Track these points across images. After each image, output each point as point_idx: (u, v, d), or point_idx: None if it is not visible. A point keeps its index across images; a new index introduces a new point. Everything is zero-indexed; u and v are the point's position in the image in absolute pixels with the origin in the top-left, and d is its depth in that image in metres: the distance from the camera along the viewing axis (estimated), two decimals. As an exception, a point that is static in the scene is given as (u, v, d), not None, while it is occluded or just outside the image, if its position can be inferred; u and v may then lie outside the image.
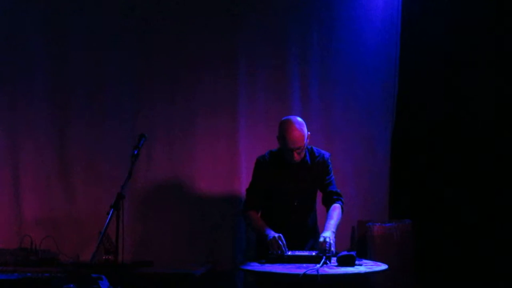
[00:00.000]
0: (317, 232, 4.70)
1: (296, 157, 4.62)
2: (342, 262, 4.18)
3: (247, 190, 4.83)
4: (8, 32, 5.70)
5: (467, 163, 5.79)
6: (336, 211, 4.66)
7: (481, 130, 5.77)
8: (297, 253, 4.39)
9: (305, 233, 4.75)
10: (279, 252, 4.34)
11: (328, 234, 4.40)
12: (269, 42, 5.75)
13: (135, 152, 4.34)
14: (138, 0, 5.73)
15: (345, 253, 4.25)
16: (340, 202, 4.73)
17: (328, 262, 4.23)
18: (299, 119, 4.66)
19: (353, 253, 4.24)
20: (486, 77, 5.79)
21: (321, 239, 4.36)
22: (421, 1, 5.87)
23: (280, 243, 4.37)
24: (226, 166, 5.65)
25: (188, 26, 5.70)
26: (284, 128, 4.60)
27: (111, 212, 4.04)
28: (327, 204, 4.74)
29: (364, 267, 4.23)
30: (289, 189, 4.72)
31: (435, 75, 5.85)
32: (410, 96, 5.88)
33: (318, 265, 4.09)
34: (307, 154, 4.73)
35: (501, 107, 5.78)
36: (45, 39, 5.68)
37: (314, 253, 4.32)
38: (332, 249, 4.33)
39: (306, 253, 4.39)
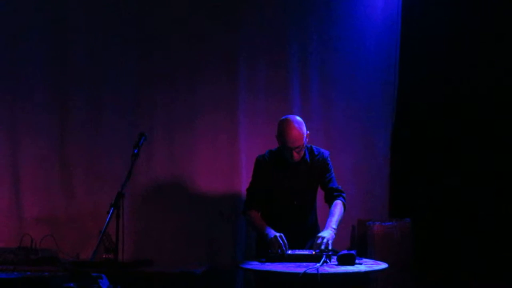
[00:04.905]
0: (317, 231, 4.69)
1: (296, 156, 4.61)
2: (342, 261, 4.18)
3: (247, 189, 4.82)
4: (8, 32, 5.71)
5: (467, 161, 5.79)
6: (337, 207, 4.65)
7: (482, 129, 5.77)
8: (297, 252, 4.38)
9: (305, 232, 4.74)
10: (279, 251, 4.34)
11: (325, 234, 4.40)
12: (269, 41, 5.76)
13: (135, 151, 4.32)
14: (138, 0, 5.74)
15: (345, 252, 4.24)
16: (341, 198, 4.72)
17: (328, 261, 4.22)
18: (298, 118, 4.66)
19: (353, 252, 4.23)
20: (486, 76, 5.79)
21: (318, 240, 4.36)
22: (421, 1, 5.86)
23: (281, 242, 4.37)
24: (226, 165, 5.66)
25: (188, 25, 5.70)
26: (283, 128, 4.59)
27: (111, 211, 4.03)
28: (329, 201, 4.74)
29: (364, 266, 4.22)
30: (288, 188, 4.72)
31: (435, 74, 5.85)
32: (410, 96, 5.88)
33: (318, 264, 4.08)
34: (307, 153, 4.73)
35: (502, 107, 5.78)
36: (46, 39, 5.69)
37: (314, 252, 4.31)
38: (329, 247, 4.32)
39: (306, 252, 4.38)
